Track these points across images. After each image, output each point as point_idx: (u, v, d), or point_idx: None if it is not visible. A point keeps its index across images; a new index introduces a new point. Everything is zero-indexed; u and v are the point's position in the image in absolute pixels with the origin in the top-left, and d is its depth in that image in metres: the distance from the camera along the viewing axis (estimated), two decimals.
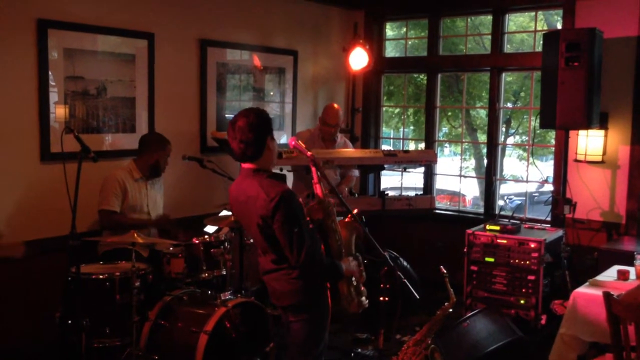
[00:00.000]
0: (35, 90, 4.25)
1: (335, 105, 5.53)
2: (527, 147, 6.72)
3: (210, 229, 4.69)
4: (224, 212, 4.70)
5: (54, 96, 4.35)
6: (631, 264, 3.88)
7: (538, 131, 5.95)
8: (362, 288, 3.24)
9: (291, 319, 3.19)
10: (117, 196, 4.33)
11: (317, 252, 3.01)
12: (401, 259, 5.32)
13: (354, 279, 3.19)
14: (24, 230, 4.25)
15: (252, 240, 3.31)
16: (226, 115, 5.59)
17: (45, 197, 4.30)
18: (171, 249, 4.14)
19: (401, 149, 6.48)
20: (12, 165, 4.18)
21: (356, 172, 5.73)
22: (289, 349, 3.27)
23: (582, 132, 5.16)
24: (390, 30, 7.24)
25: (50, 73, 4.31)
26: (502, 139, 6.78)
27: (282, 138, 6.12)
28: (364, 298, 3.20)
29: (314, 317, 3.18)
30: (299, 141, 3.23)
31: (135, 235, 3.77)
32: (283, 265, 3.06)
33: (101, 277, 3.77)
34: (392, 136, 10.09)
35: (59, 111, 4.39)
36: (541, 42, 4.98)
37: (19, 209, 4.23)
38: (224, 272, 4.16)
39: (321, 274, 3.08)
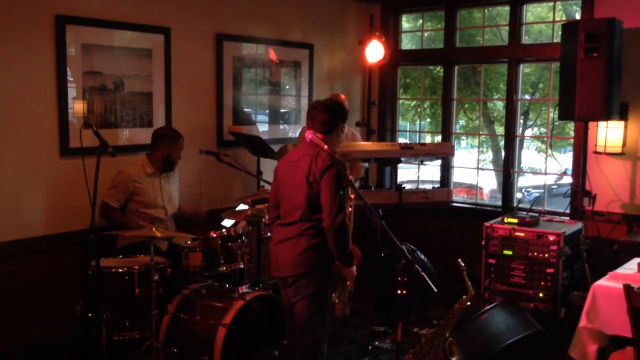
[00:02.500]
0: (53, 85, 4.29)
1: (342, 96, 5.53)
2: (545, 139, 6.66)
3: (227, 222, 4.71)
4: (241, 206, 4.71)
5: (72, 91, 4.39)
6: None
7: (557, 123, 5.90)
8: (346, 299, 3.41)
9: (293, 300, 3.30)
10: (122, 194, 4.37)
11: (346, 222, 3.25)
12: (418, 252, 5.31)
13: (348, 283, 3.43)
14: (45, 225, 4.30)
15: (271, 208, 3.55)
16: (243, 109, 5.60)
17: (65, 192, 4.34)
18: (189, 242, 4.16)
19: (418, 141, 6.46)
20: (32, 161, 4.22)
21: (365, 164, 5.69)
22: (293, 331, 3.35)
23: (601, 124, 5.11)
24: (406, 23, 7.20)
25: (68, 69, 4.35)
26: (520, 131, 6.73)
27: (298, 131, 6.12)
28: (346, 308, 3.48)
29: (316, 295, 3.30)
30: (316, 135, 3.24)
31: (154, 229, 3.80)
32: (303, 226, 3.29)
33: (120, 270, 3.81)
34: (408, 129, 10.05)
35: (77, 106, 4.43)
36: (559, 32, 4.93)
37: (40, 204, 4.28)
38: (242, 266, 4.18)
39: (345, 243, 3.27)
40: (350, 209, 3.52)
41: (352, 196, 3.54)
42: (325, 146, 3.24)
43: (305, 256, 3.29)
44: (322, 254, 3.32)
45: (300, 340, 3.36)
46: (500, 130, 9.36)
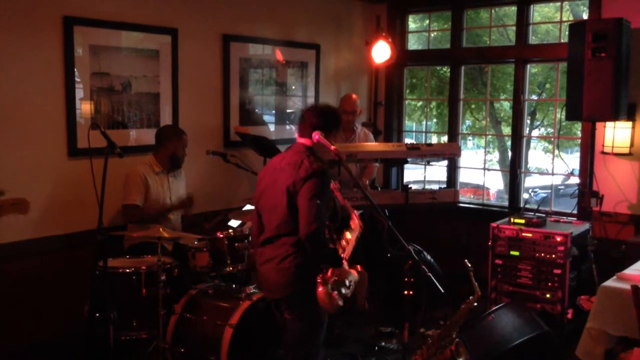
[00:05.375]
0: (61, 86, 4.31)
1: (353, 95, 5.55)
2: (552, 139, 6.64)
3: (234, 223, 4.72)
4: (248, 207, 4.72)
5: (79, 92, 4.40)
6: None
7: (564, 123, 5.88)
8: (346, 290, 3.23)
9: (287, 317, 3.29)
10: (139, 191, 4.38)
11: (323, 231, 3.14)
12: (425, 253, 5.30)
13: (336, 278, 3.17)
14: (53, 225, 4.32)
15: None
16: (249, 110, 5.60)
17: (73, 192, 4.36)
18: (196, 242, 4.17)
19: (424, 142, 6.45)
20: (41, 161, 4.24)
21: (376, 163, 5.71)
22: (287, 345, 3.37)
23: (609, 124, 5.08)
24: (412, 23, 7.21)
25: (76, 69, 4.36)
26: (527, 132, 6.71)
27: None
28: (340, 301, 3.16)
29: (310, 313, 3.24)
30: (323, 135, 3.25)
31: (161, 229, 3.81)
32: (285, 243, 3.19)
33: (128, 271, 3.82)
34: (415, 129, 10.04)
35: (84, 107, 4.44)
36: (567, 32, 4.91)
37: (48, 204, 4.30)
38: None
39: (321, 252, 3.15)
40: (354, 227, 3.34)
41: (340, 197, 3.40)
42: (333, 147, 3.24)
43: (293, 275, 3.20)
44: (309, 270, 3.20)
45: (294, 352, 3.35)
46: (507, 130, 9.35)
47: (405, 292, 3.42)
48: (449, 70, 6.57)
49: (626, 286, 3.25)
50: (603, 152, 5.18)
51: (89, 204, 3.99)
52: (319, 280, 3.10)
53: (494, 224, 4.95)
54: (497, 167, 10.28)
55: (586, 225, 4.99)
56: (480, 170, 6.75)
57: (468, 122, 10.90)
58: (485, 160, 6.95)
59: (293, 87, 5.99)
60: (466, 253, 4.15)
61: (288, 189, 3.18)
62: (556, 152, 5.88)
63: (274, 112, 5.87)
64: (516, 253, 4.83)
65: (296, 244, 3.20)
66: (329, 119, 3.36)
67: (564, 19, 5.97)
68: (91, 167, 3.53)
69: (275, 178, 3.29)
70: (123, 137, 4.66)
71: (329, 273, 3.12)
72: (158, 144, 4.56)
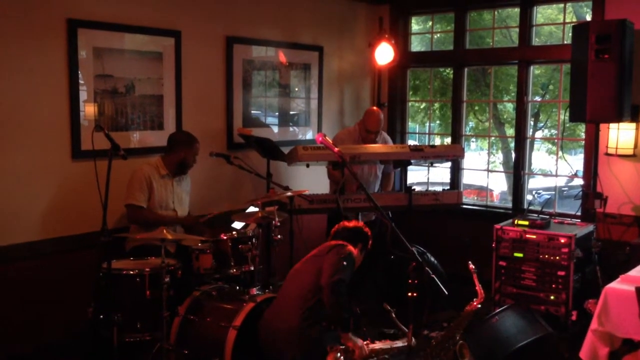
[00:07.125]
0: (65, 89, 4.32)
1: (375, 108, 5.51)
2: (556, 140, 6.64)
3: (237, 224, 4.72)
4: (251, 208, 4.72)
5: (83, 94, 4.42)
6: None
7: (567, 124, 5.88)
8: None
9: None
10: (143, 191, 4.38)
11: (344, 286, 3.28)
12: (428, 255, 5.29)
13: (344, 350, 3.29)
14: (57, 227, 4.33)
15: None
16: (252, 112, 5.61)
17: (77, 194, 4.37)
18: (199, 244, 4.17)
19: (427, 143, 6.45)
20: (44, 163, 4.25)
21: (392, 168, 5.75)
22: None
23: (613, 125, 5.08)
24: (415, 25, 7.20)
25: (79, 72, 4.37)
26: (531, 133, 6.70)
27: (308, 134, 6.14)
28: None
29: None
30: (326, 137, 3.26)
31: (165, 231, 3.81)
32: (303, 314, 3.34)
33: (132, 272, 3.82)
34: (418, 131, 10.03)
35: (88, 109, 4.45)
36: (570, 34, 4.91)
37: (52, 206, 4.31)
38: (252, 268, 4.18)
39: (340, 305, 3.26)
40: None
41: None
42: (336, 149, 3.25)
43: (298, 342, 3.34)
44: (318, 342, 3.34)
45: None
46: (510, 132, 9.33)
47: (409, 294, 3.41)
48: (452, 71, 6.57)
49: (630, 288, 3.25)
50: (607, 154, 5.17)
51: (92, 206, 4.01)
52: (328, 349, 3.25)
53: (497, 226, 4.94)
54: (501, 168, 10.27)
55: (590, 227, 4.98)
56: (483, 171, 6.74)
57: (471, 124, 10.87)
58: (488, 161, 6.95)
59: (296, 89, 6.00)
60: (470, 255, 4.14)
61: (318, 254, 3.51)
62: (560, 153, 5.87)
63: (277, 114, 5.88)
64: (520, 255, 4.82)
65: (311, 309, 3.38)
66: (356, 236, 3.70)
67: (567, 20, 5.97)
68: (95, 169, 3.53)
69: (315, 260, 3.58)
70: (126, 139, 4.67)
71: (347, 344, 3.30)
72: (170, 148, 4.57)
